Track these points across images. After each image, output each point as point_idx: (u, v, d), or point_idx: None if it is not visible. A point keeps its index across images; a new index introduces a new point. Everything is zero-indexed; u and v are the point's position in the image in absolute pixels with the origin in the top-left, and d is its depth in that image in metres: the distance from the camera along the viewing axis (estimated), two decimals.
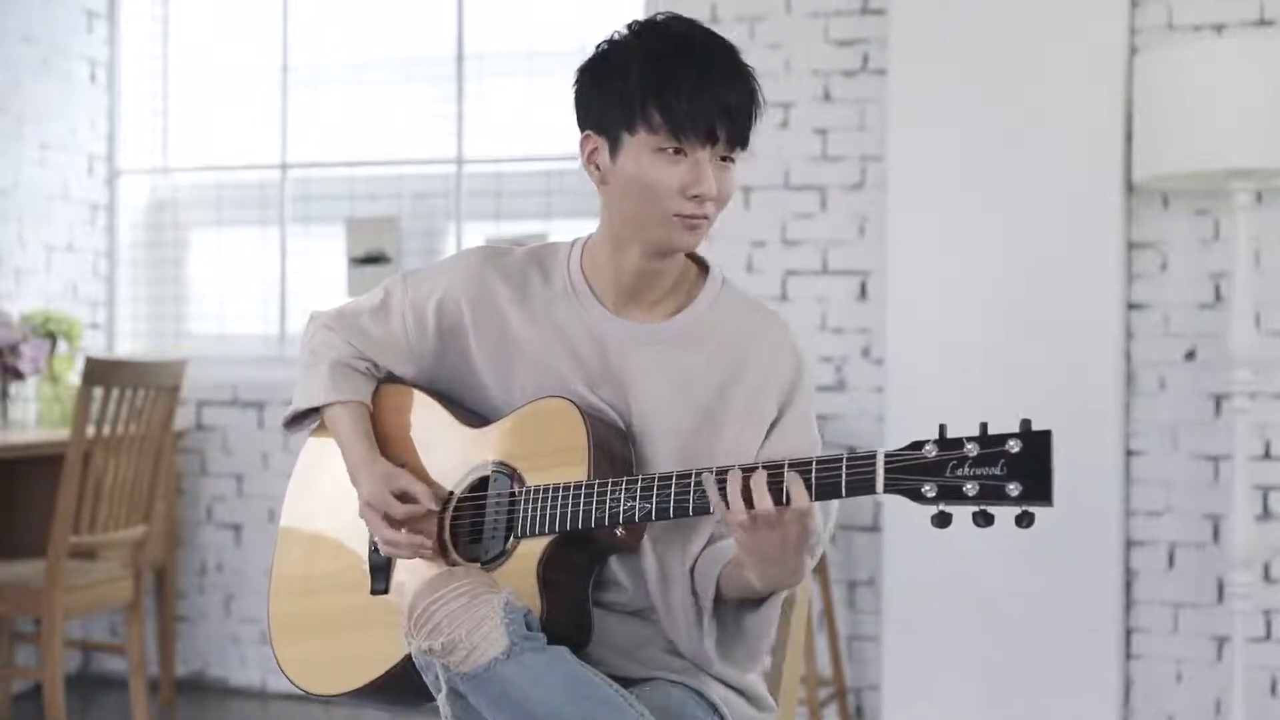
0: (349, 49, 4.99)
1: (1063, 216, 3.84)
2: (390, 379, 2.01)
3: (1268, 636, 3.84)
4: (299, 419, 2.04)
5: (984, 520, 1.54)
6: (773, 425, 1.87)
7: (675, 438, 1.84)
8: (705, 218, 1.78)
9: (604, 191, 1.84)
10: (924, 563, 3.92)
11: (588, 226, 1.91)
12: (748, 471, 1.65)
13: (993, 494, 1.52)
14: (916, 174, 3.97)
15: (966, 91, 3.92)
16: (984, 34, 3.92)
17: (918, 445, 1.57)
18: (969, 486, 1.53)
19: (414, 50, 4.92)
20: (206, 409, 4.87)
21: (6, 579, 3.69)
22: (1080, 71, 3.84)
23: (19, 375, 4.38)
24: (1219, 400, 3.87)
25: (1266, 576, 3.83)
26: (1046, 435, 1.52)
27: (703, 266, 1.93)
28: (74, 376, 4.58)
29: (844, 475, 1.61)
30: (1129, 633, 3.93)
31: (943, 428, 1.57)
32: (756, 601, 1.79)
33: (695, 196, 1.75)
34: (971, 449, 1.54)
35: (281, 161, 5.02)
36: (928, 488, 1.56)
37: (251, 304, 5.06)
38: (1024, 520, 1.51)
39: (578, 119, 1.84)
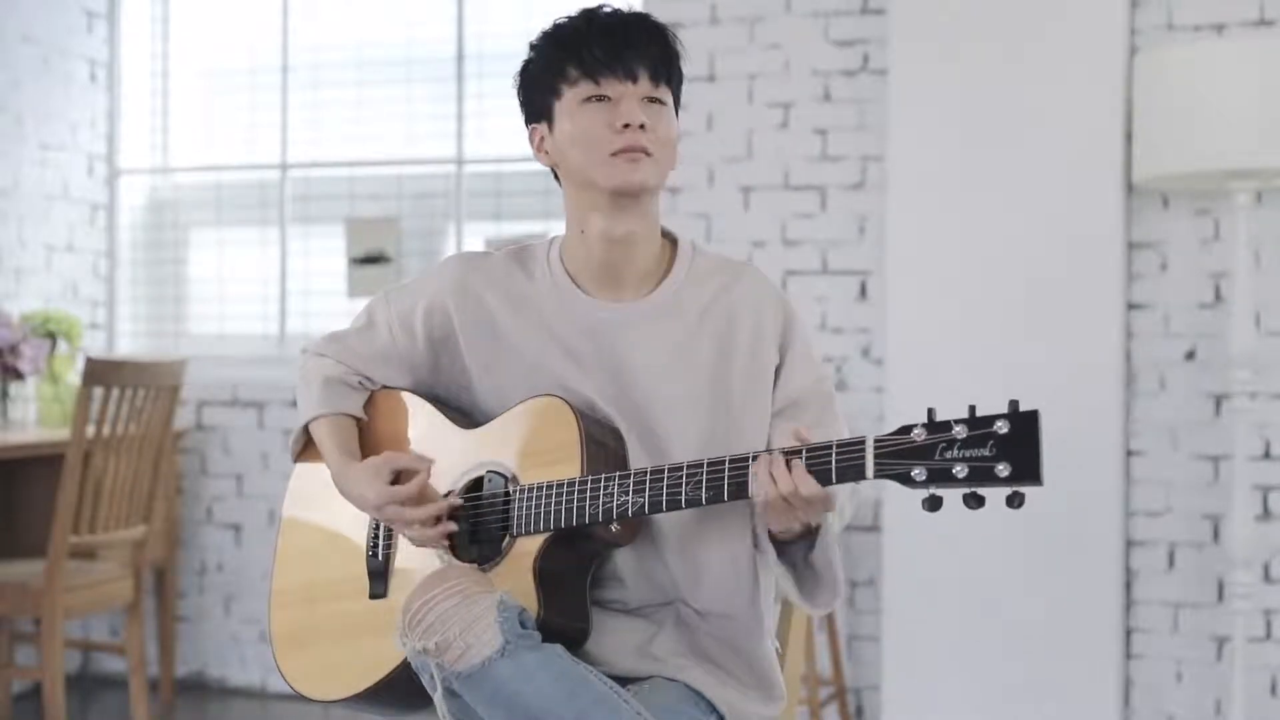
0: (349, 49, 4.99)
1: (1063, 216, 3.84)
2: (385, 386, 2.01)
3: (1268, 636, 3.84)
4: (304, 444, 2.04)
5: (975, 502, 1.55)
6: (778, 371, 1.89)
7: (689, 409, 1.84)
8: (643, 150, 1.81)
9: (560, 173, 1.89)
10: (924, 563, 3.91)
11: None
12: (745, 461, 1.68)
13: (982, 475, 1.53)
14: (916, 174, 3.97)
15: (966, 91, 3.92)
16: (984, 34, 3.92)
17: (906, 429, 1.58)
18: (958, 469, 1.54)
19: (414, 50, 4.92)
20: (206, 409, 4.87)
21: (6, 579, 3.69)
22: (1080, 71, 3.84)
23: (19, 375, 4.38)
24: (1219, 400, 3.87)
25: (1266, 576, 3.83)
26: (1034, 415, 1.52)
27: (674, 242, 1.95)
28: (74, 376, 4.58)
29: (834, 461, 1.62)
30: (1129, 633, 3.93)
31: (931, 411, 1.58)
32: (809, 542, 1.78)
33: (625, 127, 1.80)
34: (960, 431, 1.55)
35: (281, 161, 5.02)
36: (917, 471, 1.56)
37: (251, 304, 5.06)
38: (1014, 500, 1.52)
39: (524, 120, 1.93)
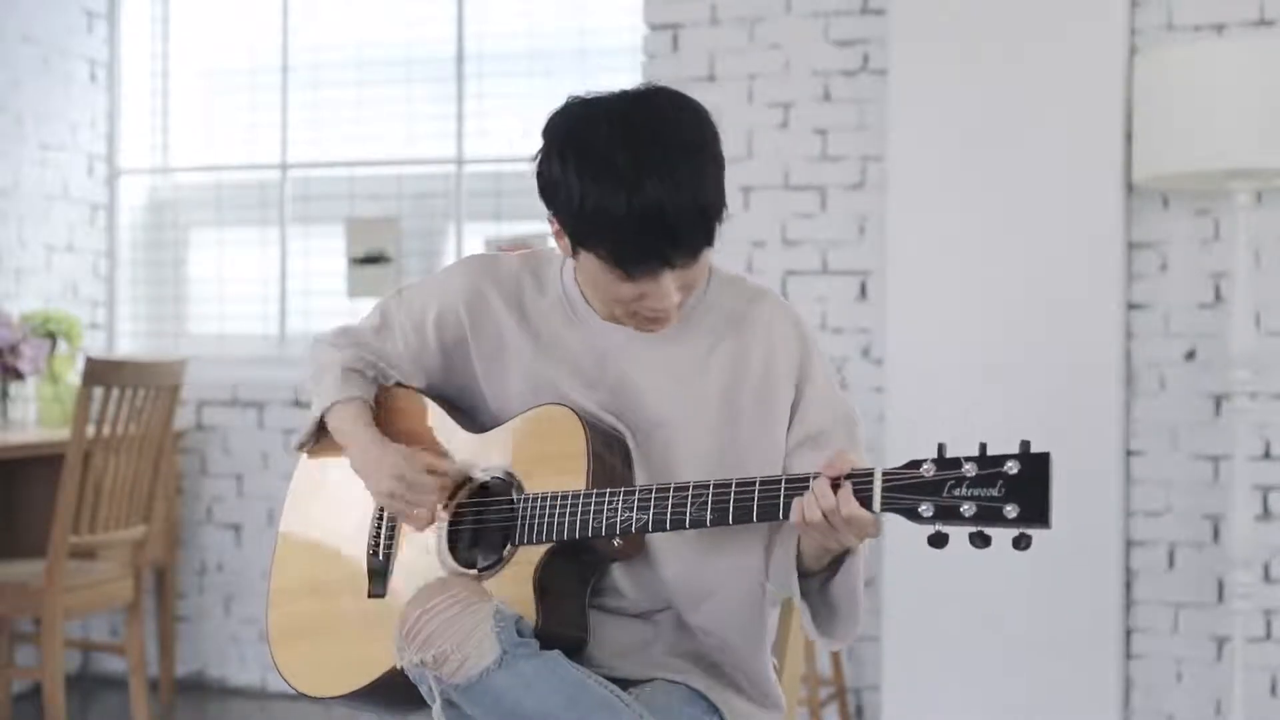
0: (349, 49, 4.99)
1: (1063, 216, 3.84)
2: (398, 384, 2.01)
3: (1268, 636, 3.84)
4: (315, 433, 2.01)
5: (981, 542, 1.55)
6: (795, 405, 1.85)
7: (695, 432, 1.82)
8: (669, 313, 1.75)
9: None
10: (923, 563, 3.91)
11: None
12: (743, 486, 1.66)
13: (990, 515, 1.53)
14: (916, 174, 3.97)
15: (966, 91, 3.92)
16: (984, 34, 3.91)
17: (915, 464, 1.57)
18: (966, 507, 1.54)
19: (414, 50, 4.91)
20: (206, 409, 4.87)
21: (6, 579, 3.69)
22: (1080, 71, 3.83)
23: (19, 375, 4.38)
24: (1219, 400, 3.87)
25: (1266, 576, 3.83)
26: (1045, 457, 1.51)
27: None
28: (74, 376, 4.58)
29: None
30: (1129, 633, 3.93)
31: (941, 447, 1.56)
32: (832, 570, 1.77)
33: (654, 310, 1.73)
34: (970, 469, 1.54)
35: (281, 161, 5.02)
36: (925, 507, 1.55)
37: (251, 304, 5.06)
38: (1021, 542, 1.53)
39: (541, 192, 1.73)
